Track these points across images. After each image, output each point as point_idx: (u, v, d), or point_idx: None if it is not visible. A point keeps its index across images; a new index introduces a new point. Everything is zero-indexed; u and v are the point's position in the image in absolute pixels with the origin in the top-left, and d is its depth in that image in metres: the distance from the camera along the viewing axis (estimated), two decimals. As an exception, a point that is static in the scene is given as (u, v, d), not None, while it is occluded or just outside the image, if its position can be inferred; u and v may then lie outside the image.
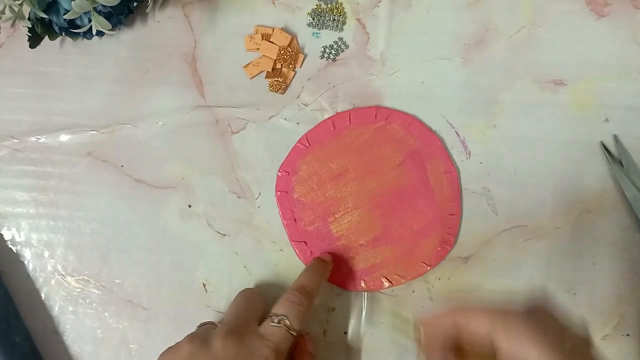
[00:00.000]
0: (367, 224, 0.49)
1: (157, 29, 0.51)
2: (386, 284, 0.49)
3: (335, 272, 0.49)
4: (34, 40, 0.50)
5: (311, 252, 0.49)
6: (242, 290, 0.47)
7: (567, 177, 0.49)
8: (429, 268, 0.49)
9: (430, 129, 0.49)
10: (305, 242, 0.49)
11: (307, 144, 0.50)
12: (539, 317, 0.35)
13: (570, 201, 0.49)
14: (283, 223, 0.50)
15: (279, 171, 0.50)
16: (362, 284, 0.49)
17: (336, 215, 0.50)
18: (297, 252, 0.49)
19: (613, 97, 0.49)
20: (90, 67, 0.51)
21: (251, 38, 0.50)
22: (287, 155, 0.50)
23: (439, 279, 0.49)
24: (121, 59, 0.51)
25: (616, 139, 0.49)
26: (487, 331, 0.33)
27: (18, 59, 0.52)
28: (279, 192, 0.50)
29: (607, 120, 0.49)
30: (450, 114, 0.50)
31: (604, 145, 0.49)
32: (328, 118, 0.50)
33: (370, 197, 0.49)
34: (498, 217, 0.49)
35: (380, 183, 0.49)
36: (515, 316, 0.33)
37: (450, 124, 0.50)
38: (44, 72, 0.52)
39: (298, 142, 0.50)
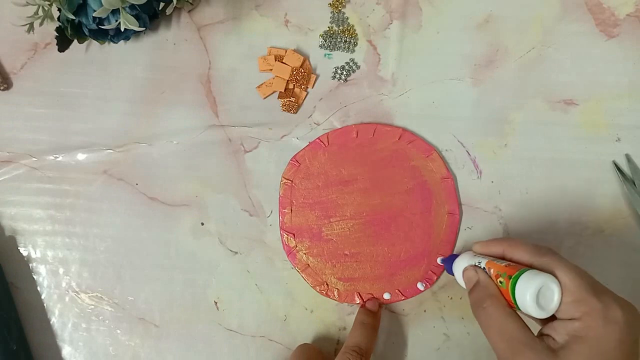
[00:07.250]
0: (358, 237, 0.49)
1: (173, 50, 0.53)
2: (357, 300, 0.49)
3: (314, 274, 0.49)
4: (63, 44, 0.51)
5: (296, 251, 0.49)
6: (300, 345, 0.47)
7: (579, 197, 0.49)
8: (403, 298, 0.48)
9: (448, 167, 0.50)
10: (294, 235, 0.50)
11: (327, 143, 0.50)
12: None
13: (582, 221, 0.49)
14: (279, 210, 0.50)
15: (290, 160, 0.50)
16: (335, 293, 0.49)
17: (331, 219, 0.50)
18: (284, 242, 0.50)
19: (624, 117, 0.49)
20: (108, 88, 0.53)
21: (264, 59, 0.51)
22: (304, 148, 0.50)
23: (451, 298, 0.49)
24: (138, 79, 0.52)
25: (628, 158, 0.49)
26: (527, 262, 0.37)
27: (38, 79, 0.53)
28: (284, 179, 0.50)
29: (618, 139, 0.49)
30: (461, 133, 0.50)
31: (616, 165, 0.49)
32: (353, 125, 0.50)
33: (369, 212, 0.50)
34: (509, 235, 0.49)
35: (384, 202, 0.50)
36: (552, 254, 0.36)
37: (461, 143, 0.50)
38: (62, 92, 0.53)
39: (318, 138, 0.50)
